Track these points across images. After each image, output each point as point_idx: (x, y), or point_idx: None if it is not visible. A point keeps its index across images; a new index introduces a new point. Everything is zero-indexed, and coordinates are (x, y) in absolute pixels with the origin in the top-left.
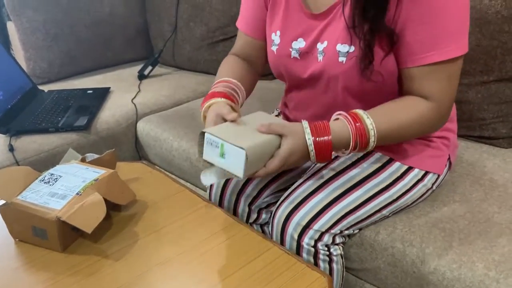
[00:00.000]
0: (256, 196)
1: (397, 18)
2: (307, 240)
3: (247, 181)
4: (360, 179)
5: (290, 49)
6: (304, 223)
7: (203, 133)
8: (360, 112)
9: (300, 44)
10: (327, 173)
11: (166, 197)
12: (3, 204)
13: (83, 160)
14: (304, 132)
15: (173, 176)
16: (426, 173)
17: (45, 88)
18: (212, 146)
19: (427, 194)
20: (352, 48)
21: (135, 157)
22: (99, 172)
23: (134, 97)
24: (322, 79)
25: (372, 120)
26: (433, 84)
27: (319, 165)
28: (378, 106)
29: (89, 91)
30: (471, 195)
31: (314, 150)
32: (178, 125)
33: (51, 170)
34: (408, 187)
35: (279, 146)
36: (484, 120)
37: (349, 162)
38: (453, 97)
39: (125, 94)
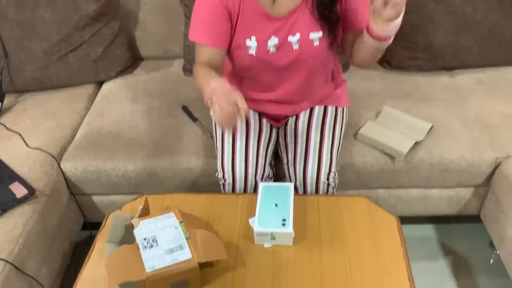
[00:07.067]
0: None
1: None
2: (331, 180)
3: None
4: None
5: (267, 47)
6: (327, 170)
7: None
8: None
9: (274, 41)
10: (305, 134)
11: None
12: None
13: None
14: None
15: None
16: (346, 108)
17: None
18: (262, 235)
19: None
20: (321, 33)
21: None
22: (170, 216)
23: (26, 143)
24: (298, 63)
25: None
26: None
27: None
28: None
29: None
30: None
31: None
32: (111, 149)
33: (137, 237)
34: (344, 121)
35: None
36: None
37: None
38: None
39: (7, 143)
